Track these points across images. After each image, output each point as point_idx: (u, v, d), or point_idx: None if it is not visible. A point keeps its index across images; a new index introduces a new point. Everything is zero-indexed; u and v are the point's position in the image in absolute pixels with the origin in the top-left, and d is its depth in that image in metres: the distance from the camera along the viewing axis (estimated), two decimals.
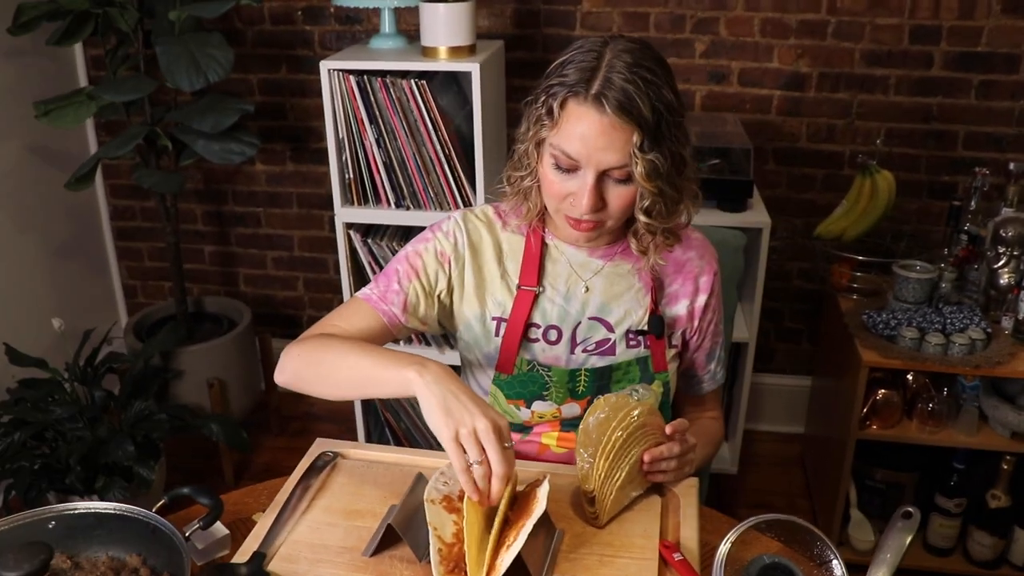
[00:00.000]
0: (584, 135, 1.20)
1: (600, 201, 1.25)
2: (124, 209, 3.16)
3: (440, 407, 1.08)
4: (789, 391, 2.97)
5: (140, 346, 2.61)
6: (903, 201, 2.60)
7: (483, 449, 1.05)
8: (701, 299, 1.44)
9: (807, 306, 2.89)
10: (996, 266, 2.28)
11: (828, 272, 2.58)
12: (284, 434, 3.00)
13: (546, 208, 1.36)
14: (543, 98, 1.24)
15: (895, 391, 2.31)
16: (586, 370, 1.39)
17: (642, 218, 1.28)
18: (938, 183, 2.66)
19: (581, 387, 1.39)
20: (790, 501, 2.71)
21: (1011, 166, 2.31)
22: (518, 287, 1.40)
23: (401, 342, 2.30)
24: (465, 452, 1.06)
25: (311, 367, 1.29)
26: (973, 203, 2.34)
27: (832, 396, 2.56)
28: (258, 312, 3.15)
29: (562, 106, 1.22)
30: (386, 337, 1.39)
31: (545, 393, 1.39)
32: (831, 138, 2.65)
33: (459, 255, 1.41)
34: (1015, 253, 2.25)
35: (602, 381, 1.39)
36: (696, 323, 1.45)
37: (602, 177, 1.23)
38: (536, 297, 1.39)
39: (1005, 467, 2.27)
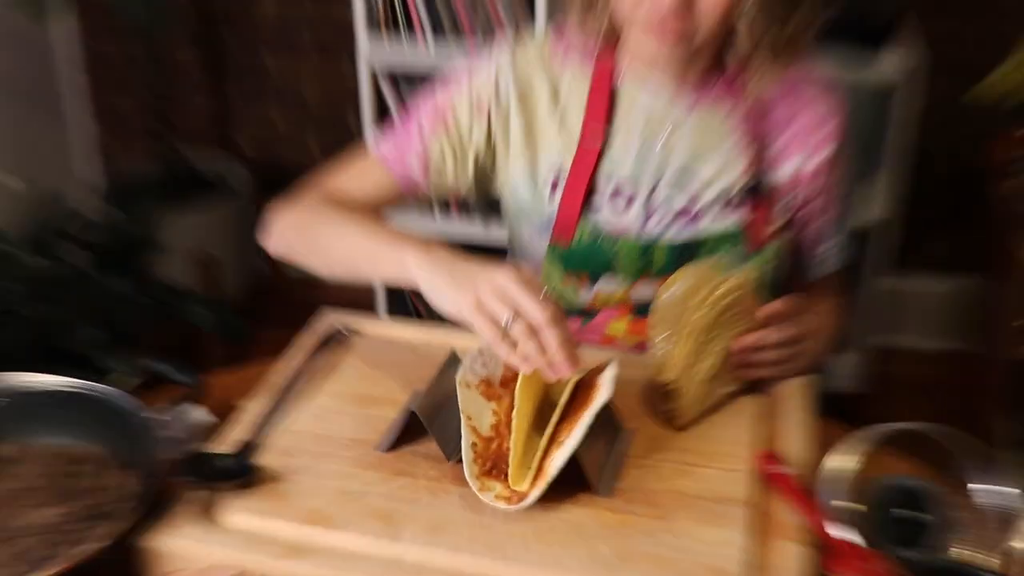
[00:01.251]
0: None
1: None
2: (102, 54, 3.18)
3: (447, 279, 1.11)
4: (932, 297, 2.97)
5: (116, 213, 2.62)
6: None
7: (515, 307, 1.04)
8: (818, 157, 1.39)
9: (958, 190, 2.83)
10: None
11: (987, 147, 2.50)
12: (288, 326, 3.01)
13: (619, 31, 1.33)
14: None
15: None
16: (661, 247, 1.36)
17: (744, 23, 1.23)
18: None
19: (657, 266, 1.37)
20: None
21: None
22: (580, 138, 1.38)
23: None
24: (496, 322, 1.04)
25: (304, 238, 1.36)
26: None
27: (985, 304, 2.56)
28: (261, 176, 3.16)
29: None
30: (398, 201, 1.44)
31: (613, 269, 1.37)
32: None
33: (502, 104, 1.40)
34: None
35: (684, 258, 1.36)
36: (807, 190, 1.41)
37: None
38: (602, 152, 1.38)
39: None
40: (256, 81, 3.10)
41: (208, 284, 2.69)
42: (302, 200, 1.37)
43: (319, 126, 3.13)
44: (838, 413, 2.68)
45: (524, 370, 1.04)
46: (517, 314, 1.03)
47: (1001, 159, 2.46)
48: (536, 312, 1.03)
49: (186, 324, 2.51)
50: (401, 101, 2.40)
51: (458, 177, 1.42)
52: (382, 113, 2.44)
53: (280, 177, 3.19)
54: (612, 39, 1.35)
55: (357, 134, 3.04)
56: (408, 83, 2.40)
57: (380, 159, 1.42)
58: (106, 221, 2.63)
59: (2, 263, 2.38)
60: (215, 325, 2.47)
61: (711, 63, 1.34)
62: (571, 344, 1.03)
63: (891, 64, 2.24)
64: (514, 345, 1.04)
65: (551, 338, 1.02)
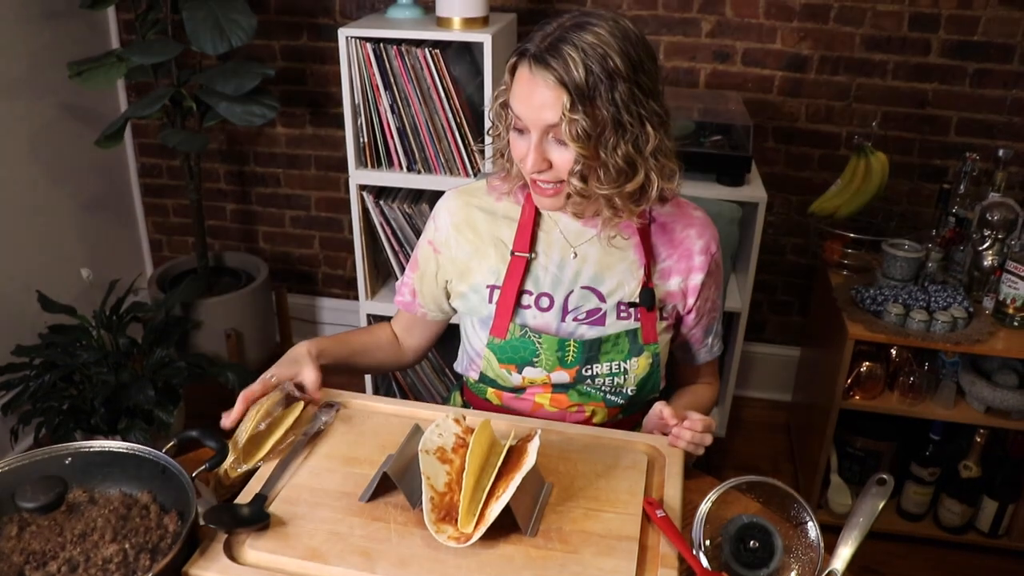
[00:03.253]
0: (525, 95, 1.20)
1: (543, 161, 1.23)
2: (151, 167, 3.15)
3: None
4: (778, 360, 2.95)
5: (163, 297, 2.61)
6: (895, 182, 2.57)
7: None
8: (696, 277, 1.38)
9: (799, 280, 2.86)
10: (981, 248, 2.25)
11: (820, 248, 2.56)
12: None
13: None
14: (507, 66, 1.25)
15: (879, 364, 2.29)
16: (575, 342, 1.36)
17: (574, 181, 1.23)
18: (929, 166, 2.62)
19: (570, 357, 1.36)
20: (774, 465, 2.71)
21: (1000, 152, 2.28)
22: (512, 253, 1.38)
23: None
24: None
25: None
26: (962, 187, 2.31)
27: (819, 366, 2.54)
28: (275, 268, 3.15)
29: (512, 70, 1.23)
30: (420, 323, 1.55)
31: (535, 360, 1.36)
32: (829, 119, 2.62)
33: (444, 238, 1.43)
34: (999, 236, 2.22)
35: (591, 352, 1.36)
36: (691, 301, 1.40)
37: (546, 138, 1.22)
38: (529, 263, 1.37)
39: (978, 440, 2.27)
40: (271, 191, 3.10)
41: (234, 353, 2.67)
42: None
43: (320, 228, 3.12)
44: (717, 455, 2.70)
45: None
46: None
47: (831, 258, 2.51)
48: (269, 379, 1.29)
49: (217, 384, 2.50)
50: (380, 210, 2.40)
51: (436, 299, 1.49)
52: (367, 217, 2.44)
53: (289, 268, 3.21)
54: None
55: (349, 234, 3.06)
56: (387, 196, 2.41)
57: (398, 305, 1.55)
58: (155, 303, 2.62)
59: (80, 338, 2.36)
60: (239, 384, 2.45)
61: (597, 207, 1.32)
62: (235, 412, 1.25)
63: (751, 190, 2.28)
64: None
65: (256, 390, 1.28)
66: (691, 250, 1.38)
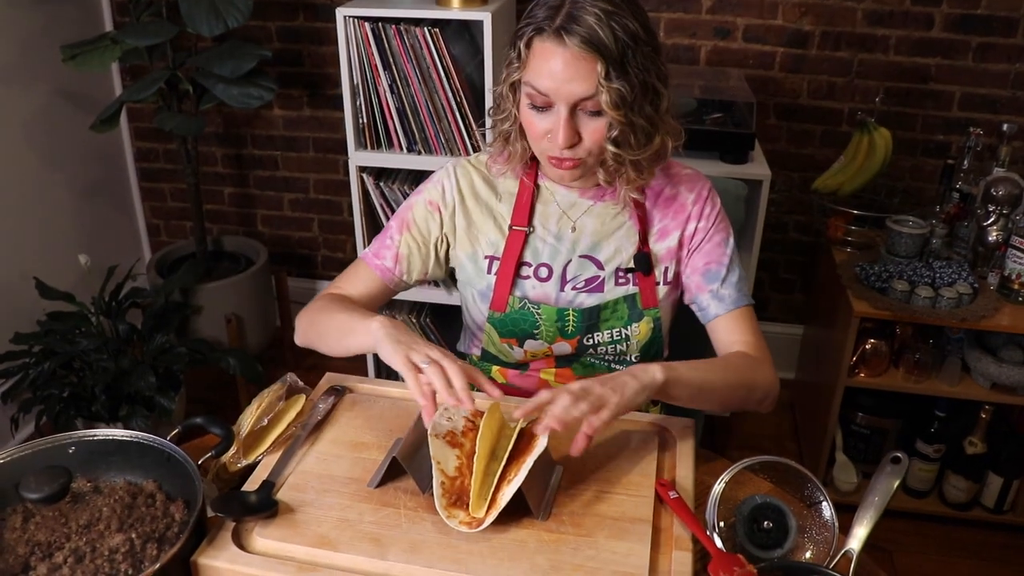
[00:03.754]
0: (551, 70, 1.17)
1: (575, 135, 1.21)
2: (147, 151, 3.12)
3: (391, 340, 1.15)
4: (782, 338, 2.93)
5: (162, 282, 2.59)
6: (898, 158, 2.55)
7: (432, 360, 1.10)
8: (692, 225, 1.37)
9: (802, 257, 2.85)
10: (985, 224, 2.24)
11: (824, 225, 2.54)
12: (298, 368, 2.93)
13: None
14: (514, 41, 1.23)
15: (883, 341, 2.28)
16: (574, 310, 1.36)
17: (611, 148, 1.22)
18: (933, 142, 2.59)
19: (570, 327, 1.36)
20: (779, 444, 2.70)
21: (1004, 127, 2.26)
22: (510, 227, 1.37)
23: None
24: (419, 372, 1.10)
25: (313, 329, 1.35)
26: (966, 162, 2.29)
27: (823, 344, 2.53)
28: (274, 251, 3.12)
29: (528, 45, 1.20)
30: (387, 292, 1.44)
31: (536, 332, 1.37)
32: (831, 95, 2.59)
33: (447, 202, 1.40)
34: (1004, 211, 2.20)
35: (591, 321, 1.36)
36: (686, 249, 1.38)
37: (575, 111, 1.20)
38: (527, 236, 1.37)
39: (983, 416, 2.26)
40: (269, 174, 3.07)
41: (234, 338, 2.66)
42: (314, 303, 1.38)
43: (319, 210, 3.10)
44: (722, 434, 2.69)
45: (424, 406, 1.09)
46: (433, 362, 1.10)
47: (835, 235, 2.50)
48: (446, 361, 1.09)
49: (217, 369, 2.48)
50: (380, 192, 2.38)
51: (424, 263, 1.42)
52: (366, 199, 2.42)
53: (289, 251, 3.18)
54: (531, 157, 1.35)
55: (348, 216, 3.03)
56: (386, 177, 2.39)
57: (364, 259, 1.43)
58: (154, 289, 2.60)
59: (79, 324, 2.35)
60: (240, 370, 2.45)
61: (600, 179, 1.34)
62: (467, 387, 1.08)
63: (755, 167, 2.27)
64: (425, 390, 1.08)
65: (455, 378, 1.08)
66: (684, 203, 1.37)
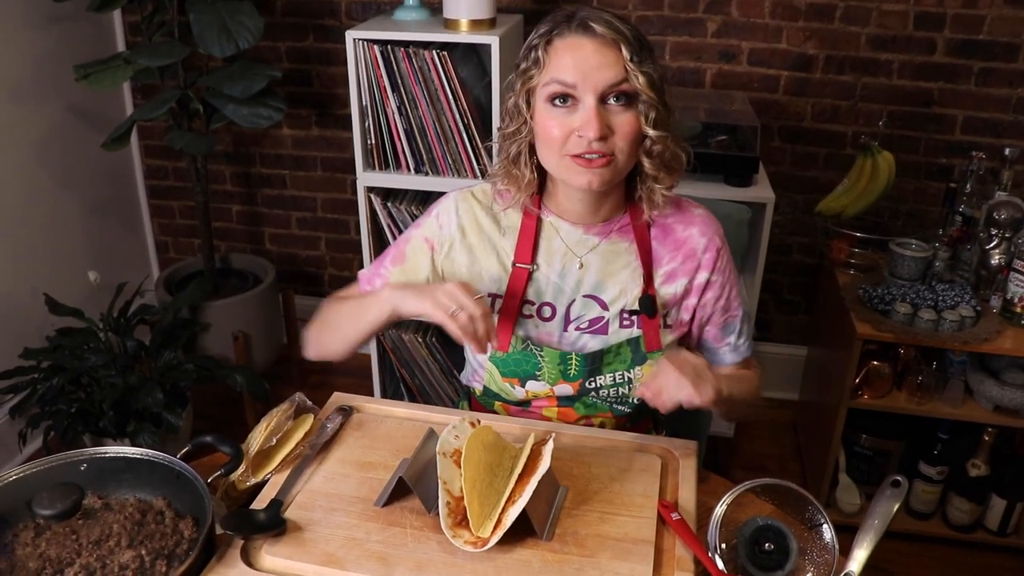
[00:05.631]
0: (576, 61, 1.18)
1: (606, 128, 1.19)
2: (157, 169, 3.14)
3: (414, 293, 1.22)
4: (785, 359, 2.94)
5: (170, 299, 2.61)
6: (902, 181, 2.56)
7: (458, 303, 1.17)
8: (703, 276, 1.35)
9: (806, 279, 2.86)
10: (988, 247, 2.25)
11: (827, 247, 2.55)
12: (305, 386, 3.00)
13: (541, 185, 1.33)
14: (529, 51, 1.24)
15: (886, 363, 2.29)
16: (576, 355, 1.33)
17: (651, 132, 1.22)
18: (936, 165, 2.62)
19: (572, 370, 1.34)
20: (782, 465, 2.70)
21: (1006, 151, 2.28)
22: (513, 264, 1.35)
23: None
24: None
25: (325, 329, 1.38)
26: (968, 186, 2.31)
27: (826, 366, 2.54)
28: (282, 270, 3.14)
29: (547, 47, 1.21)
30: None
31: (538, 373, 1.34)
32: (835, 118, 2.61)
33: (444, 239, 1.38)
34: (1007, 235, 2.21)
35: (593, 365, 1.33)
36: (695, 299, 1.36)
37: (602, 105, 1.20)
38: (530, 274, 1.34)
39: (986, 438, 2.27)
40: (278, 192, 3.10)
41: (241, 355, 2.67)
42: (318, 313, 1.40)
43: (326, 229, 3.12)
44: (725, 454, 2.70)
45: (469, 342, 1.18)
46: (459, 307, 1.16)
47: (838, 257, 2.51)
48: (470, 305, 1.16)
49: (224, 386, 2.49)
50: (387, 212, 2.40)
51: None
52: (374, 219, 2.43)
53: (296, 269, 3.21)
54: (538, 189, 1.34)
55: (355, 235, 3.06)
56: (394, 198, 2.41)
57: (360, 284, 1.44)
58: (163, 306, 2.62)
59: (88, 340, 2.36)
60: (246, 387, 2.46)
61: (615, 210, 1.33)
62: (492, 328, 1.19)
63: (758, 190, 2.28)
64: (459, 324, 1.17)
65: (479, 322, 1.17)
66: (695, 249, 1.35)
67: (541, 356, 1.34)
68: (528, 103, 1.25)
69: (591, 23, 1.18)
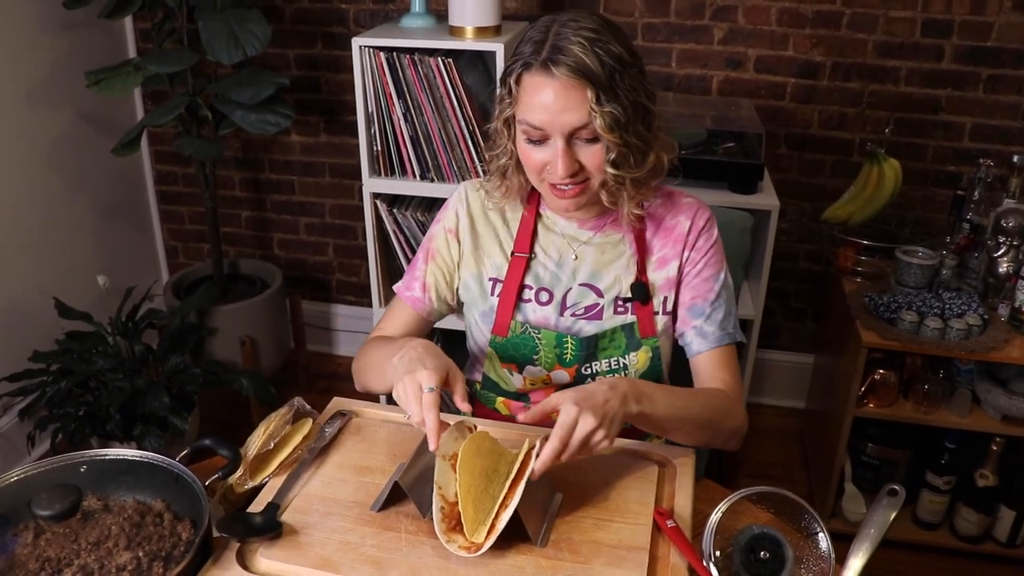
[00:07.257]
0: (543, 103, 1.20)
1: (575, 164, 1.24)
2: (167, 174, 3.17)
3: (393, 374, 1.17)
4: (792, 367, 2.94)
5: (178, 304, 2.63)
6: (909, 189, 2.56)
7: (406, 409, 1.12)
8: (686, 254, 1.39)
9: (812, 287, 2.85)
10: (996, 255, 2.24)
11: (834, 255, 2.54)
12: (311, 391, 3.01)
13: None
14: (504, 79, 1.26)
15: (893, 371, 2.28)
16: (572, 338, 1.37)
17: (610, 171, 1.24)
18: (943, 173, 2.60)
19: (568, 355, 1.38)
20: (788, 473, 2.69)
21: (1015, 158, 2.26)
22: (512, 253, 1.41)
23: None
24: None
25: (364, 372, 1.40)
26: (976, 193, 2.30)
27: (832, 374, 2.53)
28: (290, 275, 3.16)
29: (518, 81, 1.23)
30: (423, 322, 1.48)
31: (535, 357, 1.39)
32: (842, 126, 2.61)
33: (461, 225, 1.44)
34: (1015, 243, 2.20)
35: (588, 350, 1.38)
36: (680, 278, 1.40)
37: (571, 140, 1.23)
38: (528, 262, 1.40)
39: (994, 448, 2.25)
40: (286, 198, 3.12)
41: (248, 360, 2.69)
42: (362, 350, 1.43)
43: (334, 235, 3.14)
44: (730, 463, 2.69)
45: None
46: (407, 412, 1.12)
47: (845, 265, 2.50)
48: (415, 413, 1.09)
49: (231, 390, 2.51)
50: (393, 218, 2.41)
51: (451, 289, 1.46)
52: (380, 225, 2.44)
53: (304, 275, 3.22)
54: (533, 188, 1.38)
55: (363, 241, 3.07)
56: (400, 204, 2.42)
57: (397, 292, 1.48)
58: (171, 310, 2.64)
59: (96, 344, 2.38)
60: (253, 391, 2.47)
61: (600, 208, 1.37)
62: (435, 431, 1.07)
63: (763, 197, 2.28)
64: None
65: (426, 420, 1.08)
66: (683, 232, 1.39)
67: (539, 339, 1.38)
68: (509, 127, 1.29)
69: (558, 62, 1.17)
